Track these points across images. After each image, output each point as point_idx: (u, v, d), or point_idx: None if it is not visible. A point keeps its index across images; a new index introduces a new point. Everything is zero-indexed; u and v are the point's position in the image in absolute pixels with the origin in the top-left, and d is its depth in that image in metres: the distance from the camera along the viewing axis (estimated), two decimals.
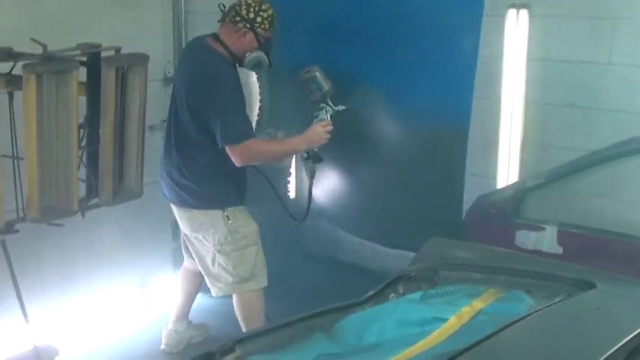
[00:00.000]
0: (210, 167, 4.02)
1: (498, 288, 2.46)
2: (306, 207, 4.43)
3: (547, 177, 4.38)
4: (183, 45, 4.92)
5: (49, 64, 3.41)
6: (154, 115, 4.80)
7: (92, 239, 4.59)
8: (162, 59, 4.93)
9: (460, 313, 2.29)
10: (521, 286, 2.44)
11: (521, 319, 2.06)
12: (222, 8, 4.02)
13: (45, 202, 3.52)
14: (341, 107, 4.19)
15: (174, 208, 4.21)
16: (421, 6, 4.19)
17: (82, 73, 3.63)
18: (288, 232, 5.17)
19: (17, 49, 3.48)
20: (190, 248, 4.27)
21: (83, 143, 3.74)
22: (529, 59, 4.47)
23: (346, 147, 4.58)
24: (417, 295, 2.52)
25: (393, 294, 2.63)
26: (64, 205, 3.62)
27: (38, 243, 4.19)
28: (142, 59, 3.79)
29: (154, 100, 4.74)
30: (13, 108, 3.50)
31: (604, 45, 4.28)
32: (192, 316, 4.63)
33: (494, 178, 4.66)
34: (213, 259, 4.11)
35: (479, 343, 1.94)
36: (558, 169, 4.35)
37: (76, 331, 4.56)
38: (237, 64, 4.07)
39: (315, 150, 4.16)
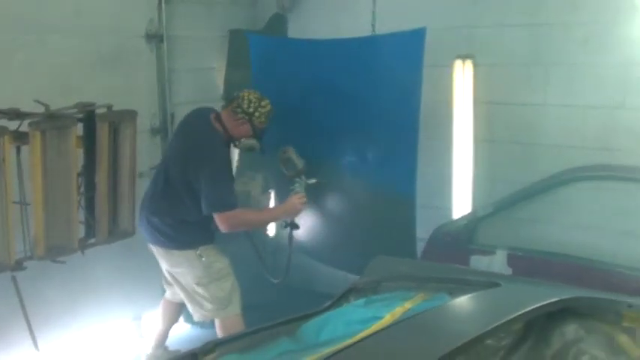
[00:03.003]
0: (188, 221, 4.47)
1: (426, 292, 2.95)
2: (285, 267, 4.93)
3: (496, 207, 4.87)
4: (167, 99, 5.44)
5: (52, 122, 3.91)
6: (143, 163, 5.26)
7: (90, 276, 4.96)
8: (148, 112, 5.38)
9: (394, 312, 2.79)
10: (445, 290, 2.94)
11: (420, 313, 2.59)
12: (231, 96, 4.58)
13: (50, 242, 4.00)
14: (312, 180, 4.75)
15: (153, 248, 4.65)
16: (368, 99, 4.67)
17: (79, 128, 4.15)
18: (266, 268, 5.65)
19: (22, 107, 3.93)
20: (172, 280, 4.69)
21: (82, 189, 4.23)
22: (475, 102, 4.98)
23: (321, 201, 5.10)
24: (361, 301, 3.03)
25: (345, 303, 3.14)
26: (67, 244, 4.10)
27: (41, 280, 4.61)
28: (131, 115, 4.30)
29: (143, 150, 5.24)
30: (20, 160, 3.96)
31: (539, 88, 4.81)
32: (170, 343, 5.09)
33: (450, 209, 5.15)
34: (194, 290, 4.56)
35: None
36: (505, 199, 4.84)
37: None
38: (231, 144, 4.56)
39: (293, 220, 4.71)
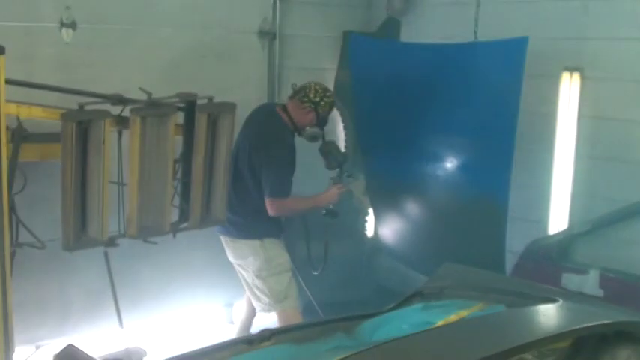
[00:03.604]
0: (258, 210, 4.67)
1: (485, 303, 2.93)
2: (323, 257, 4.98)
3: (593, 224, 4.75)
4: (276, 95, 5.61)
5: (152, 109, 4.10)
6: None
7: (185, 260, 5.24)
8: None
9: (447, 319, 2.79)
10: (503, 302, 2.91)
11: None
12: (294, 87, 4.77)
13: (142, 222, 4.18)
14: (348, 174, 4.95)
15: (222, 238, 4.87)
16: (466, 105, 4.70)
17: (180, 117, 4.34)
18: (363, 266, 5.72)
19: (129, 96, 4.14)
20: (237, 274, 4.91)
21: (178, 175, 4.42)
22: (580, 116, 4.88)
23: (412, 207, 5.13)
24: (420, 305, 3.05)
25: (408, 306, 3.16)
26: (159, 226, 4.27)
27: (139, 260, 4.88)
28: (230, 107, 4.42)
29: None
30: (121, 143, 4.18)
31: None
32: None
33: (547, 224, 5.05)
34: (253, 283, 4.77)
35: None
36: (603, 218, 4.72)
37: (166, 339, 5.21)
38: (296, 133, 4.76)
39: (331, 207, 4.81)
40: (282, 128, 4.70)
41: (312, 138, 4.77)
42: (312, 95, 4.66)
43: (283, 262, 4.78)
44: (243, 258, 4.80)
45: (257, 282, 4.75)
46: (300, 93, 4.70)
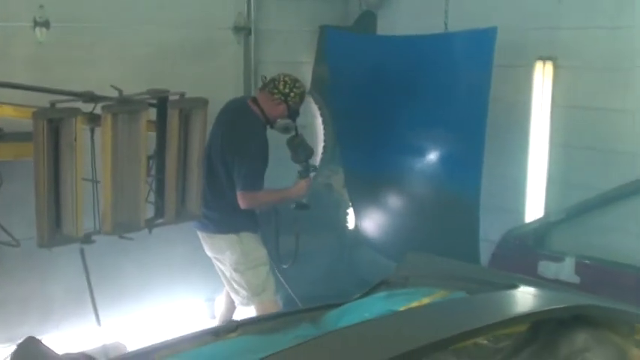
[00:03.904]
0: (232, 205, 4.69)
1: (447, 290, 2.96)
2: (294, 250, 5.02)
3: (568, 213, 4.77)
4: (252, 90, 5.62)
5: (124, 106, 4.13)
6: None
7: (167, 256, 5.27)
8: None
9: (409, 306, 2.82)
10: (465, 289, 2.94)
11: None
12: (264, 79, 4.80)
13: (117, 219, 4.22)
14: (314, 165, 4.99)
15: (199, 234, 4.90)
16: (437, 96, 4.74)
17: (153, 114, 4.36)
18: (344, 259, 5.75)
19: (106, 94, 4.15)
20: (216, 268, 4.94)
21: (152, 171, 4.44)
22: (554, 105, 4.89)
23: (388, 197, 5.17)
24: (383, 293, 3.09)
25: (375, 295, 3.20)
26: (134, 222, 4.30)
27: (119, 257, 4.91)
28: (202, 103, 4.44)
29: None
30: (93, 140, 4.22)
31: (619, 93, 4.64)
32: None
33: (523, 213, 5.07)
34: (231, 277, 4.81)
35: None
36: (578, 206, 4.73)
37: (148, 335, 5.21)
38: (267, 125, 4.77)
39: (302, 200, 4.85)
40: (253, 122, 4.72)
41: (284, 129, 4.79)
42: (281, 87, 4.69)
43: (260, 256, 4.82)
44: (220, 252, 4.83)
45: (235, 275, 4.79)
46: (269, 85, 4.73)
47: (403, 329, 2.37)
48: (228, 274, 4.84)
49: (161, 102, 4.35)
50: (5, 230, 4.15)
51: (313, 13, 5.90)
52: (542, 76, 4.90)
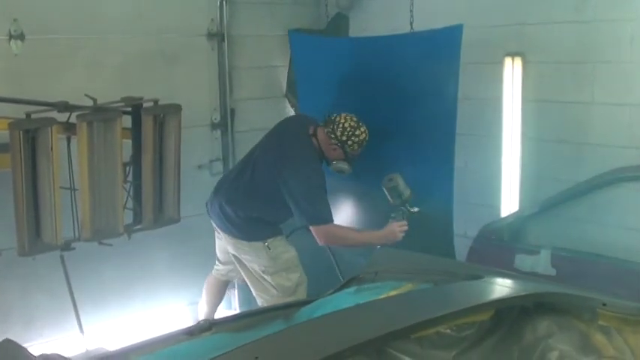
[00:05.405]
0: (261, 218, 4.59)
1: (414, 283, 3.03)
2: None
3: (542, 206, 4.83)
4: (227, 95, 5.70)
5: (98, 114, 4.21)
6: (203, 156, 5.61)
7: (149, 261, 5.30)
8: (209, 108, 5.68)
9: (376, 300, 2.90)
10: (431, 281, 3.01)
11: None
12: (330, 116, 4.56)
13: (96, 225, 4.31)
14: (415, 209, 4.55)
15: (221, 232, 4.74)
16: (406, 96, 4.76)
17: (128, 121, 4.43)
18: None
19: (82, 104, 4.24)
20: (237, 264, 4.76)
21: (129, 178, 4.51)
22: (524, 100, 4.95)
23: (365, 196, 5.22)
24: (352, 289, 3.15)
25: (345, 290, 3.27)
26: (112, 228, 4.39)
27: (100, 263, 4.95)
28: (176, 108, 4.53)
29: (202, 143, 5.56)
30: (70, 149, 4.30)
31: (586, 86, 4.71)
32: None
33: (499, 207, 5.14)
34: (261, 276, 4.66)
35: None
36: (551, 199, 4.79)
37: (131, 340, 5.24)
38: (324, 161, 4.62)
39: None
40: (312, 155, 4.54)
41: (339, 172, 4.63)
42: (339, 133, 4.47)
43: (290, 258, 4.66)
44: (246, 254, 4.68)
45: (266, 276, 4.64)
46: (329, 126, 4.52)
47: (366, 319, 2.43)
48: (257, 274, 4.67)
49: (135, 109, 4.43)
50: None
51: (285, 17, 5.95)
52: (512, 72, 4.96)
